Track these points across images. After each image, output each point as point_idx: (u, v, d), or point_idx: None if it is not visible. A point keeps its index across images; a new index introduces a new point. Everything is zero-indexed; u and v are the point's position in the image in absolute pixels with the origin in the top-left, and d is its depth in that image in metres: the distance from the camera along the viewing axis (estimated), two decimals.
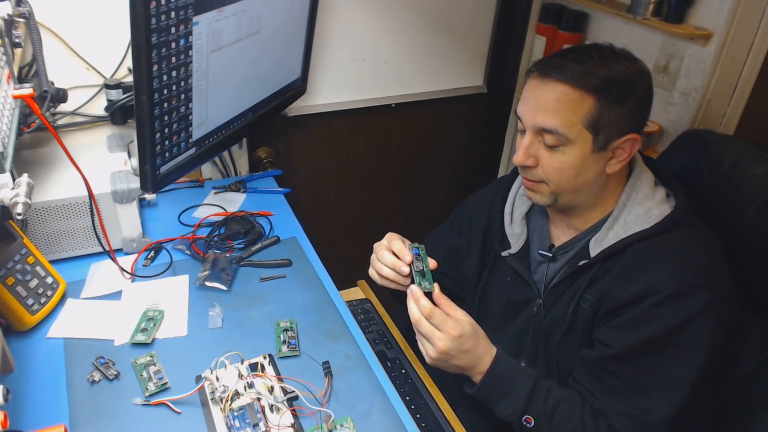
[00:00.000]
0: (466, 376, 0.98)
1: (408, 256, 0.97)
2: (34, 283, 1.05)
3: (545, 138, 0.93)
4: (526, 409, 0.94)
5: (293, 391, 0.92)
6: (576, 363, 0.98)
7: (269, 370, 0.98)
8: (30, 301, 1.04)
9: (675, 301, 0.87)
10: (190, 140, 1.15)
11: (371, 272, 1.04)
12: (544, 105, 0.92)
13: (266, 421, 0.88)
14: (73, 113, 1.35)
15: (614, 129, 0.91)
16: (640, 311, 0.89)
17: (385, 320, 1.28)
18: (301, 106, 1.66)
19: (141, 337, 1.03)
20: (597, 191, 0.98)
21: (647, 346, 0.89)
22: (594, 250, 0.97)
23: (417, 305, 0.93)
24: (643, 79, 0.93)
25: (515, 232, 1.10)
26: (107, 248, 1.12)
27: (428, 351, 0.93)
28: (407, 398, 1.07)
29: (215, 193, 1.49)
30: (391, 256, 0.99)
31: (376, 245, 1.04)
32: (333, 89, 1.69)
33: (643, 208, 0.95)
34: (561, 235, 1.05)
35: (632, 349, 0.90)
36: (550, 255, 1.04)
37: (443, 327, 0.91)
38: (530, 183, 0.99)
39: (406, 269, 0.96)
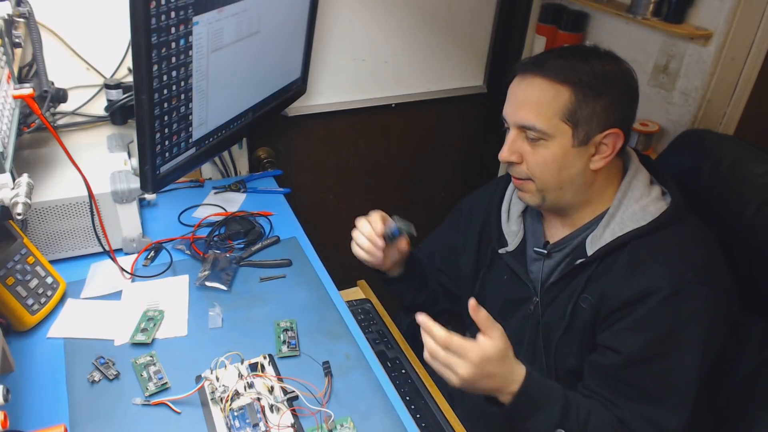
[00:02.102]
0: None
1: (379, 224, 1.06)
2: (34, 283, 1.05)
3: (527, 133, 0.95)
4: (560, 424, 0.90)
5: (293, 391, 0.92)
6: (587, 371, 0.97)
7: (269, 370, 0.98)
8: (30, 301, 1.04)
9: (676, 299, 0.87)
10: (190, 140, 1.15)
11: (353, 247, 1.11)
12: (522, 102, 0.95)
13: (266, 421, 0.88)
14: (73, 113, 1.35)
15: (594, 123, 0.92)
16: (643, 313, 0.89)
17: (385, 320, 1.28)
18: (301, 106, 1.66)
19: (141, 337, 1.03)
20: (583, 189, 0.98)
21: (655, 348, 0.89)
22: (591, 248, 0.97)
23: (431, 335, 0.87)
24: (624, 76, 0.95)
25: (512, 229, 1.11)
26: (107, 248, 1.12)
27: (450, 379, 0.88)
28: (407, 398, 1.07)
29: (215, 193, 1.49)
30: (368, 227, 1.08)
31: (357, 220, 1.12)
32: (333, 89, 1.69)
33: (639, 205, 0.96)
34: (555, 232, 1.06)
35: (640, 352, 0.89)
36: (545, 252, 1.04)
37: (463, 353, 0.86)
38: (518, 182, 1.01)
39: (380, 229, 1.07)
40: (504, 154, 0.98)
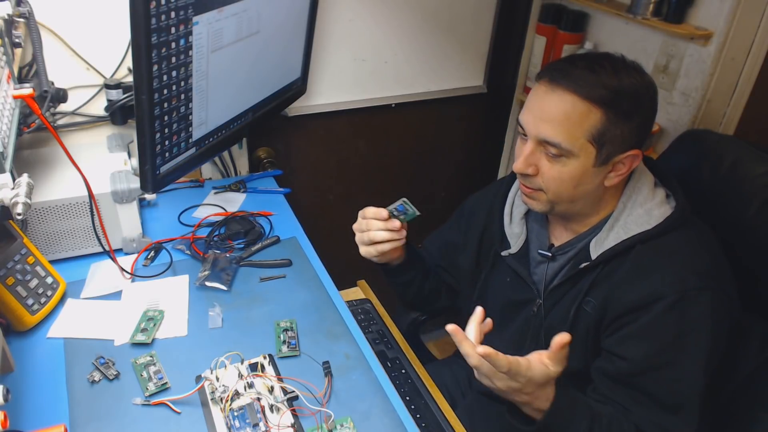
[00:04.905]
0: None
1: (383, 211, 1.01)
2: (34, 283, 1.05)
3: (547, 149, 0.92)
4: None
5: (293, 391, 0.92)
6: (597, 377, 0.96)
7: (269, 370, 0.98)
8: (30, 301, 1.04)
9: (681, 306, 0.87)
10: (190, 140, 1.15)
11: (363, 250, 1.06)
12: (549, 116, 0.90)
13: (266, 421, 0.88)
14: (73, 113, 1.35)
15: (618, 144, 0.91)
16: (648, 320, 0.89)
17: (385, 320, 1.28)
18: (301, 106, 1.66)
19: (141, 337, 1.03)
20: (594, 201, 0.98)
21: (661, 355, 0.88)
22: (594, 251, 0.96)
23: (496, 365, 0.81)
24: (649, 94, 0.92)
25: (514, 231, 1.10)
26: (107, 248, 1.12)
27: (483, 381, 0.85)
28: (407, 398, 1.07)
29: (215, 193, 1.49)
30: (372, 216, 1.02)
31: (354, 226, 1.07)
32: (333, 89, 1.69)
33: (644, 209, 0.95)
34: (560, 235, 1.05)
35: (647, 360, 0.89)
36: (550, 255, 1.04)
37: (516, 373, 0.82)
38: (528, 190, 0.98)
39: (385, 213, 1.01)
40: (520, 166, 0.94)
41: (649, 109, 0.93)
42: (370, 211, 1.04)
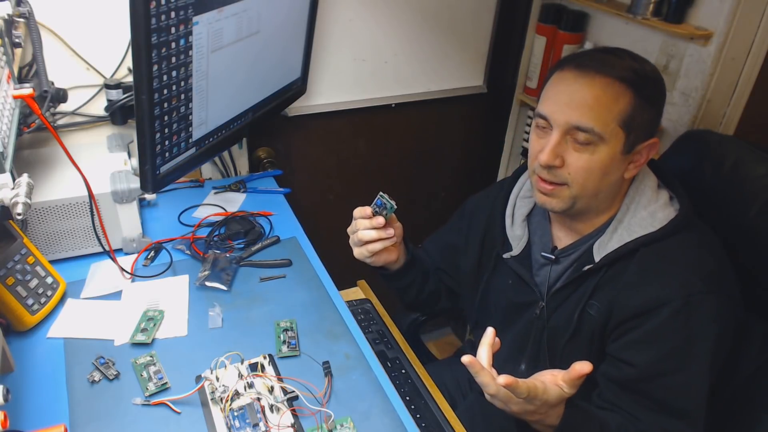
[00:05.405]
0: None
1: (367, 209, 1.02)
2: (34, 283, 1.05)
3: (576, 137, 0.90)
4: None
5: (293, 391, 0.92)
6: (603, 383, 0.95)
7: (269, 370, 0.98)
8: (30, 301, 1.04)
9: (686, 311, 0.87)
10: (190, 140, 1.15)
11: (357, 252, 1.07)
12: (579, 101, 0.89)
13: (266, 421, 0.88)
14: (73, 113, 1.35)
15: (642, 131, 0.91)
16: (654, 325, 0.88)
17: (385, 320, 1.28)
18: (301, 106, 1.66)
19: (141, 337, 1.03)
20: (612, 196, 0.97)
21: (668, 361, 0.88)
22: (598, 254, 0.96)
23: (515, 391, 0.80)
24: (664, 85, 0.94)
25: (516, 234, 1.09)
26: (107, 248, 1.12)
27: (497, 405, 0.85)
28: (407, 398, 1.07)
29: (215, 193, 1.49)
30: (359, 216, 1.04)
31: (348, 229, 1.08)
32: (333, 89, 1.69)
33: (647, 211, 0.95)
34: (563, 237, 1.05)
35: (654, 366, 0.89)
36: (553, 257, 1.03)
37: (533, 397, 0.82)
38: (550, 187, 0.94)
39: (369, 211, 1.02)
40: (547, 158, 0.91)
41: (664, 98, 0.94)
42: (357, 211, 1.05)
